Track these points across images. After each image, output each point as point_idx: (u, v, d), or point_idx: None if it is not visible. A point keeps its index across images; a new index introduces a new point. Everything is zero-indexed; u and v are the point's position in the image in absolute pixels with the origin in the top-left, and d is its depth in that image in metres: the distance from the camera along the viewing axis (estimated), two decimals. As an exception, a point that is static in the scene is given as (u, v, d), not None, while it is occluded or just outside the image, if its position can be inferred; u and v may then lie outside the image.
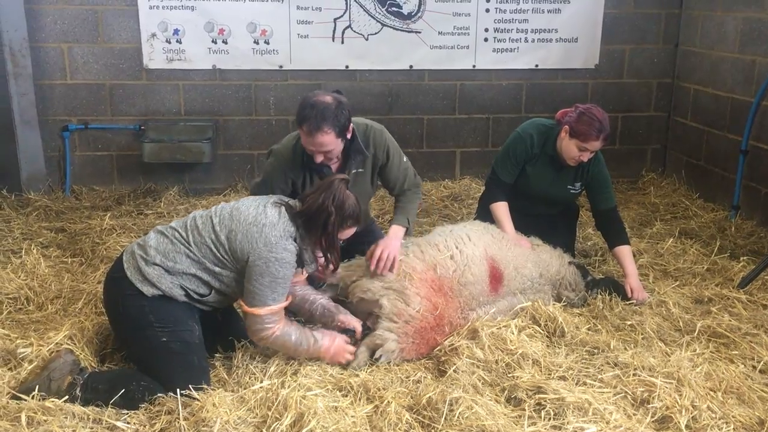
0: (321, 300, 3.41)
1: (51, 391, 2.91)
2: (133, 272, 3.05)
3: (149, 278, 3.02)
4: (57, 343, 3.25)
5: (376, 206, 5.72)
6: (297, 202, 3.16)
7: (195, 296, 3.09)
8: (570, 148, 3.98)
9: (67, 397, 2.88)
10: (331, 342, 3.23)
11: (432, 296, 3.43)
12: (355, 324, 3.38)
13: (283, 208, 3.08)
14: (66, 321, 3.57)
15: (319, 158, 3.51)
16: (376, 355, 3.30)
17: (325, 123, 3.35)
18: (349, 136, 3.56)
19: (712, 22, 6.07)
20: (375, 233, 4.15)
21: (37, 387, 2.90)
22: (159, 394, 2.92)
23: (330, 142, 3.42)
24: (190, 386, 2.92)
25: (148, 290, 3.02)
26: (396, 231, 3.73)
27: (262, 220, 3.01)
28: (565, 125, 4.01)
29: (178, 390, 2.90)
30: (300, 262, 3.08)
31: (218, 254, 3.04)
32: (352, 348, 3.30)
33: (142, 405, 2.91)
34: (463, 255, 3.63)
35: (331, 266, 3.21)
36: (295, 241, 3.04)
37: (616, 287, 4.05)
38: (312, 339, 3.18)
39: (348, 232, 3.19)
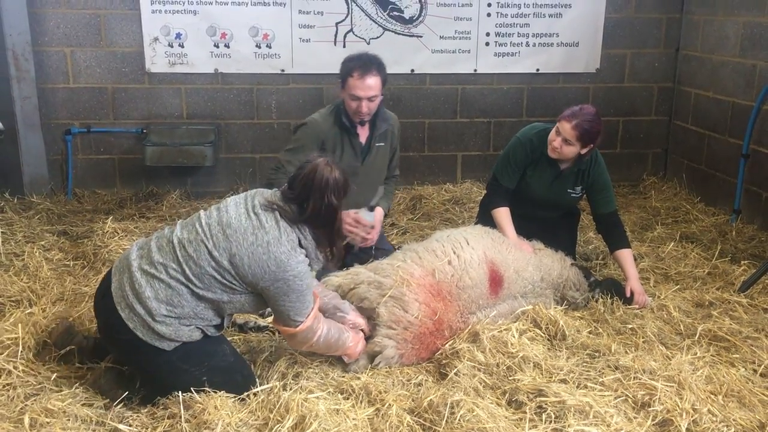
0: (332, 300, 3.36)
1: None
2: (146, 333, 2.81)
3: (166, 336, 2.82)
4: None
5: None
6: (279, 194, 2.95)
7: (212, 331, 2.96)
8: (551, 134, 4.03)
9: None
10: (356, 341, 3.26)
11: (431, 301, 3.42)
12: (364, 326, 3.36)
13: (277, 213, 2.87)
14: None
15: (365, 107, 3.92)
16: (375, 362, 3.30)
17: (373, 66, 3.89)
18: (383, 93, 4.00)
19: (712, 26, 6.08)
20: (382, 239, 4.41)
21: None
22: None
23: (377, 86, 3.91)
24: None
25: (168, 346, 2.84)
26: (380, 213, 4.23)
27: (263, 237, 2.81)
28: None
29: (179, 394, 2.89)
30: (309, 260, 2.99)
31: (225, 281, 2.83)
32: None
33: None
34: (461, 259, 3.63)
35: (337, 257, 3.10)
36: (300, 244, 2.91)
37: (617, 289, 4.06)
38: (348, 336, 3.20)
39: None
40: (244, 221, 2.85)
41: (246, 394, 2.97)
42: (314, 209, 2.87)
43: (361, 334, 3.31)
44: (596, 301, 4.00)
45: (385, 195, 4.38)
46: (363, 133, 4.15)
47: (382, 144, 4.24)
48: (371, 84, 3.89)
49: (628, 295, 3.99)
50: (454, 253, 3.66)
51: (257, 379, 3.10)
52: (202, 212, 2.97)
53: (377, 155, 4.24)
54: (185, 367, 2.89)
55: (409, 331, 3.33)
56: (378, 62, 3.95)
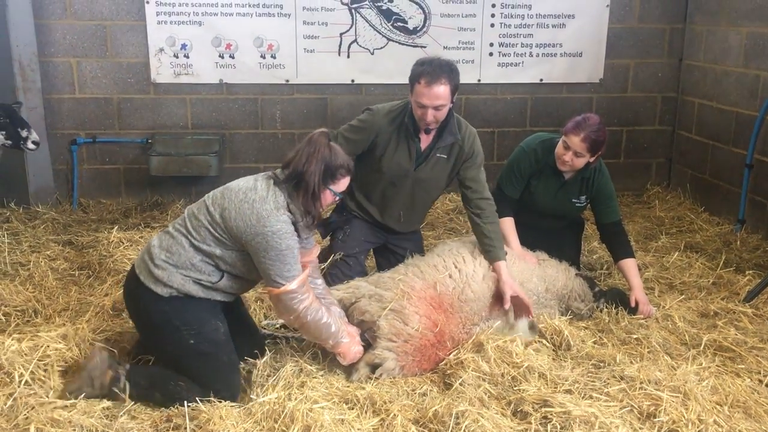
0: (324, 303, 3.36)
1: (95, 388, 3.01)
2: (146, 276, 3.07)
3: (160, 279, 3.04)
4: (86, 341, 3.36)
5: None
6: (282, 170, 3.13)
7: (209, 285, 3.10)
8: (558, 146, 4.02)
9: (113, 390, 3.01)
10: (351, 343, 3.26)
11: (431, 314, 3.43)
12: (356, 331, 3.39)
13: (271, 181, 3.08)
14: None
15: (430, 116, 3.68)
16: (376, 374, 3.30)
17: (443, 74, 3.63)
18: (453, 101, 3.75)
19: (716, 36, 6.10)
20: (416, 239, 4.28)
21: (82, 387, 3.00)
22: (198, 397, 2.98)
23: (445, 95, 3.65)
24: (226, 385, 3.04)
25: (162, 291, 3.04)
26: (506, 270, 3.69)
27: (251, 195, 3.02)
28: None
29: (212, 391, 3.00)
30: (297, 231, 3.08)
31: (216, 234, 3.04)
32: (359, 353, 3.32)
33: (188, 403, 2.96)
34: (462, 273, 3.64)
35: (315, 221, 3.16)
36: (289, 210, 3.04)
37: (622, 299, 4.06)
38: (343, 330, 3.22)
39: (343, 184, 3.16)
40: (242, 183, 3.12)
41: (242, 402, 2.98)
42: (294, 170, 3.05)
43: (358, 344, 3.31)
44: (601, 312, 4.00)
45: (495, 241, 3.78)
46: (425, 140, 3.91)
47: (444, 156, 3.94)
48: (439, 93, 3.64)
49: (632, 305, 3.99)
50: (455, 266, 3.67)
51: (245, 385, 3.15)
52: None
53: (435, 166, 3.96)
54: (176, 323, 3.05)
55: (410, 344, 3.33)
56: (449, 69, 3.68)
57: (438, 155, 3.93)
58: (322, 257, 4.05)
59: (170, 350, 3.10)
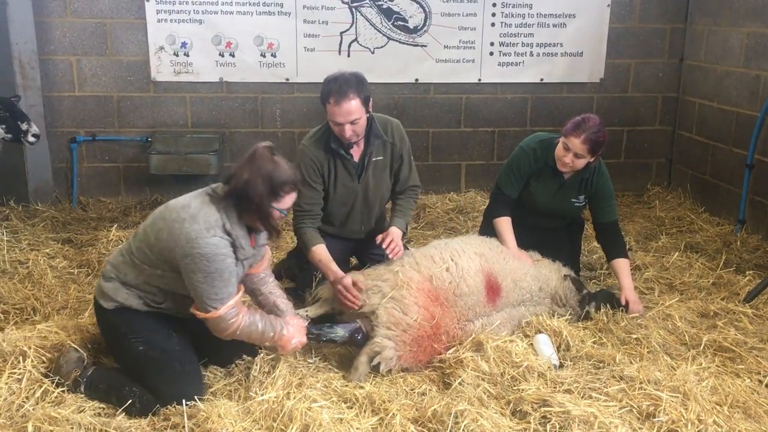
0: (277, 298, 3.36)
1: (63, 384, 3.08)
2: (97, 290, 3.13)
3: (107, 292, 3.07)
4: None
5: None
6: (223, 186, 3.00)
7: (154, 305, 3.08)
8: (558, 148, 4.01)
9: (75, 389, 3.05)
10: (291, 336, 3.19)
11: (429, 306, 3.45)
12: (302, 324, 3.37)
13: (207, 198, 2.95)
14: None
15: (349, 132, 3.67)
16: (374, 362, 3.31)
17: (349, 89, 3.60)
18: (371, 110, 3.76)
19: (716, 36, 6.09)
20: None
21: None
22: (151, 405, 2.96)
23: (357, 109, 3.62)
24: (178, 394, 2.95)
25: (107, 304, 3.06)
26: (397, 232, 3.89)
27: (183, 215, 2.90)
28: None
29: (171, 398, 2.94)
30: (235, 249, 2.96)
31: (153, 255, 2.98)
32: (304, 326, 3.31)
33: (140, 409, 2.95)
34: (458, 267, 3.65)
35: (273, 236, 3.10)
36: (224, 229, 2.90)
37: (611, 301, 4.01)
38: (279, 327, 3.15)
39: (288, 200, 2.99)
40: (181, 201, 3.02)
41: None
42: (234, 187, 2.91)
43: (299, 321, 3.29)
44: (590, 320, 3.92)
45: (400, 211, 4.08)
46: (356, 152, 3.92)
47: (381, 158, 3.98)
48: (350, 108, 3.60)
49: (623, 303, 3.97)
50: (452, 260, 3.68)
51: (203, 386, 3.11)
52: None
53: (375, 169, 3.99)
54: (123, 331, 3.06)
55: (408, 334, 3.35)
56: (356, 82, 3.63)
57: (374, 159, 3.95)
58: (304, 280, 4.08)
59: (122, 358, 3.14)
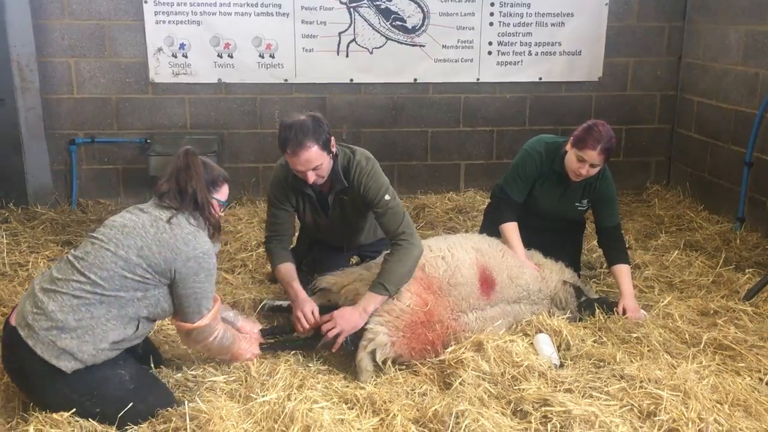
0: (222, 309, 3.40)
1: None
2: (46, 349, 2.69)
3: (68, 350, 2.70)
4: None
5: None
6: (158, 195, 2.98)
7: (124, 341, 2.86)
8: (571, 159, 3.97)
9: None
10: (247, 349, 3.29)
11: (421, 293, 3.48)
12: (255, 328, 3.49)
13: (164, 208, 2.92)
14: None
15: (312, 178, 3.47)
16: (368, 348, 3.33)
17: (306, 138, 3.36)
18: (333, 150, 3.55)
19: (715, 34, 6.09)
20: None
21: None
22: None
23: (316, 156, 3.40)
24: (164, 404, 2.94)
25: (67, 365, 2.71)
26: (366, 301, 3.41)
27: (163, 225, 2.85)
28: (571, 137, 4.00)
29: (185, 404, 2.92)
30: None
31: (137, 277, 2.78)
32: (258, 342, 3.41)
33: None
34: (453, 257, 3.68)
35: (216, 233, 3.06)
36: (200, 230, 2.95)
37: (608, 308, 3.96)
38: (240, 340, 3.23)
39: (224, 191, 3.10)
40: (138, 219, 2.89)
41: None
42: (183, 192, 2.93)
43: (255, 341, 3.39)
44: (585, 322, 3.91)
45: (383, 272, 3.45)
46: (324, 187, 3.71)
47: (346, 197, 3.75)
48: (309, 157, 3.38)
49: (620, 312, 3.91)
50: (449, 251, 3.71)
51: (177, 402, 3.00)
52: (90, 234, 2.94)
53: (344, 206, 3.80)
54: (74, 397, 2.77)
55: (401, 320, 3.38)
56: (312, 128, 3.37)
57: (340, 197, 3.77)
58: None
59: (82, 416, 2.82)
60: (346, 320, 3.40)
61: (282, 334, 3.61)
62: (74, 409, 2.79)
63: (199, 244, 2.88)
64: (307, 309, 3.50)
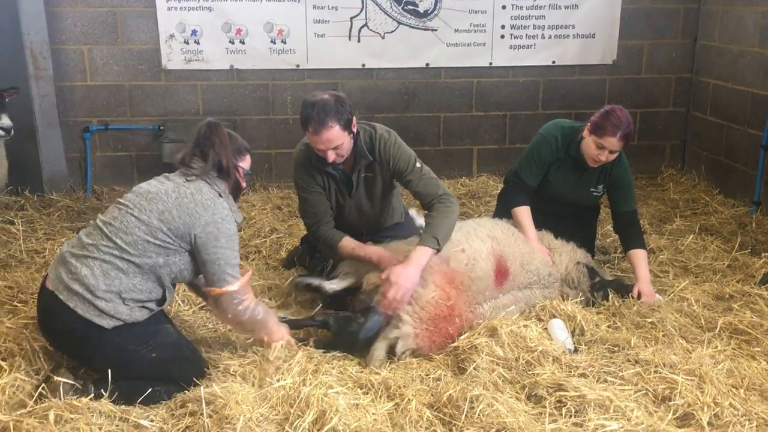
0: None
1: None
2: (86, 309, 2.87)
3: (106, 311, 2.88)
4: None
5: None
6: (185, 165, 3.12)
7: (153, 305, 3.03)
8: (589, 146, 3.94)
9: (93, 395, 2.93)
10: (282, 334, 3.30)
11: (445, 287, 3.48)
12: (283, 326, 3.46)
13: (188, 176, 3.06)
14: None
15: (332, 156, 3.53)
16: (392, 336, 3.34)
17: (327, 117, 3.41)
18: (354, 129, 3.59)
19: (731, 16, 6.02)
20: (405, 229, 4.17)
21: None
22: (176, 391, 3.02)
23: (337, 136, 3.46)
24: (197, 376, 3.08)
25: (108, 323, 2.89)
26: (418, 255, 3.42)
27: (185, 191, 2.99)
28: (588, 123, 3.97)
29: (190, 382, 3.04)
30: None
31: (158, 241, 2.92)
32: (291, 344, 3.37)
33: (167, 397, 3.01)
34: (473, 249, 3.67)
35: (238, 193, 3.24)
36: (220, 196, 3.06)
37: (623, 291, 3.96)
38: (273, 317, 3.27)
39: (248, 160, 3.24)
40: (161, 186, 3.05)
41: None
42: (213, 161, 3.07)
43: (287, 334, 3.35)
44: (599, 307, 3.91)
45: (429, 225, 3.55)
46: (347, 163, 3.74)
47: (370, 174, 3.80)
48: (330, 137, 3.43)
49: (635, 296, 3.90)
50: (467, 242, 3.70)
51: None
52: (117, 200, 3.10)
53: (367, 184, 3.84)
54: (132, 347, 2.96)
55: (426, 311, 3.38)
56: (335, 107, 3.41)
57: (363, 175, 3.80)
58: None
59: (136, 370, 2.99)
60: (404, 278, 3.34)
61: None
62: (131, 357, 2.95)
63: (218, 210, 2.99)
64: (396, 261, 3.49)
